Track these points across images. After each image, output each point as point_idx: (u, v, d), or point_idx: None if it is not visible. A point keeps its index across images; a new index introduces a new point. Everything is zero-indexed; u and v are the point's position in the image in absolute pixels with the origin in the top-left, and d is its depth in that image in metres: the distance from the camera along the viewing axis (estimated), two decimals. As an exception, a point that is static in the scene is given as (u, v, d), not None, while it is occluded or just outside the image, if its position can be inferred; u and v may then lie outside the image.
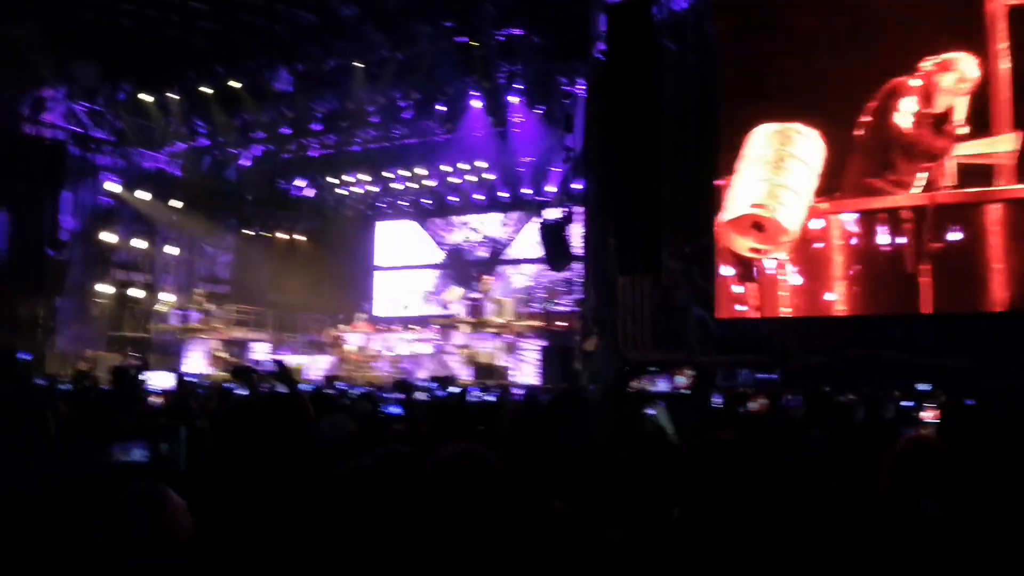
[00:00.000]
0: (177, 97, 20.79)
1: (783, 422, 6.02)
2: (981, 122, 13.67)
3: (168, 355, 21.14)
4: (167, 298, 22.40)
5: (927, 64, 14.08)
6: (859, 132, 14.48)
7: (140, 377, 9.05)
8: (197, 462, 2.69)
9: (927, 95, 14.03)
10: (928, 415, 7.10)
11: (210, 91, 20.30)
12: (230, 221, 22.89)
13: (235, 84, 20.03)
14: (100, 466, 2.57)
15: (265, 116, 20.87)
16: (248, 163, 23.20)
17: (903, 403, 7.74)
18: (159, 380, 9.40)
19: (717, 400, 6.89)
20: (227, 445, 3.42)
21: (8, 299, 19.48)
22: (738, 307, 15.34)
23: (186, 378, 15.96)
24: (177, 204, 22.64)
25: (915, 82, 14.17)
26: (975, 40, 13.80)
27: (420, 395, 10.72)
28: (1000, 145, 13.45)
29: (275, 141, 21.98)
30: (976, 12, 13.82)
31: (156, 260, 22.77)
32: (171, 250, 22.94)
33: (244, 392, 10.55)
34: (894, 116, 14.23)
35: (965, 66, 13.88)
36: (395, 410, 6.81)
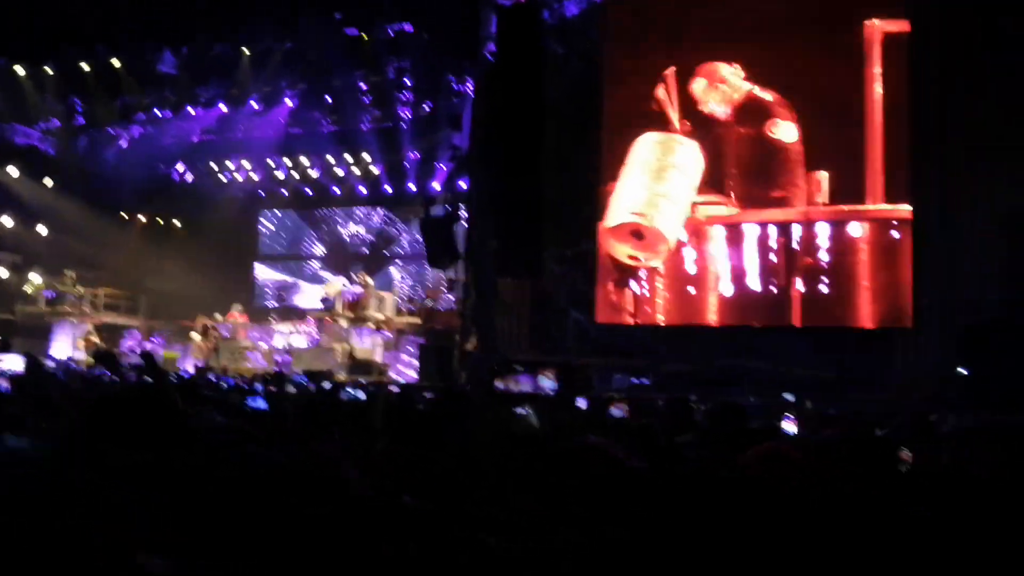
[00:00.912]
0: (53, 72, 19.52)
1: (647, 427, 5.66)
2: (854, 149, 13.56)
3: (35, 338, 19.78)
4: (35, 279, 20.88)
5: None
6: (732, 146, 14.26)
7: None
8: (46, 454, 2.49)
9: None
10: (789, 425, 6.98)
11: (89, 68, 19.13)
12: (105, 204, 21.44)
13: (116, 63, 18.88)
14: None
15: (147, 98, 19.71)
16: (126, 145, 21.76)
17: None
18: (9, 363, 8.49)
19: (582, 403, 6.67)
20: (93, 436, 2.94)
21: None
22: (616, 312, 14.95)
23: (49, 362, 14.88)
24: (49, 183, 21.21)
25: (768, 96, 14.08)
26: (852, 62, 13.70)
27: (291, 389, 10.06)
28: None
29: (156, 124, 20.77)
30: (854, 35, 13.72)
31: (25, 240, 21.27)
32: (41, 230, 21.40)
33: (113, 379, 9.73)
34: (766, 130, 14.05)
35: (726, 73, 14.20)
36: (259, 404, 6.48)
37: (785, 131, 13.91)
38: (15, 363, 8.58)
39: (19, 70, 19.46)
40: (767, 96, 14.08)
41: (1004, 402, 9.84)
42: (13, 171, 20.66)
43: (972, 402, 10.43)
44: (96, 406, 2.69)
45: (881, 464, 4.55)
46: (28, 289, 20.81)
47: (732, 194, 14.29)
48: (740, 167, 14.26)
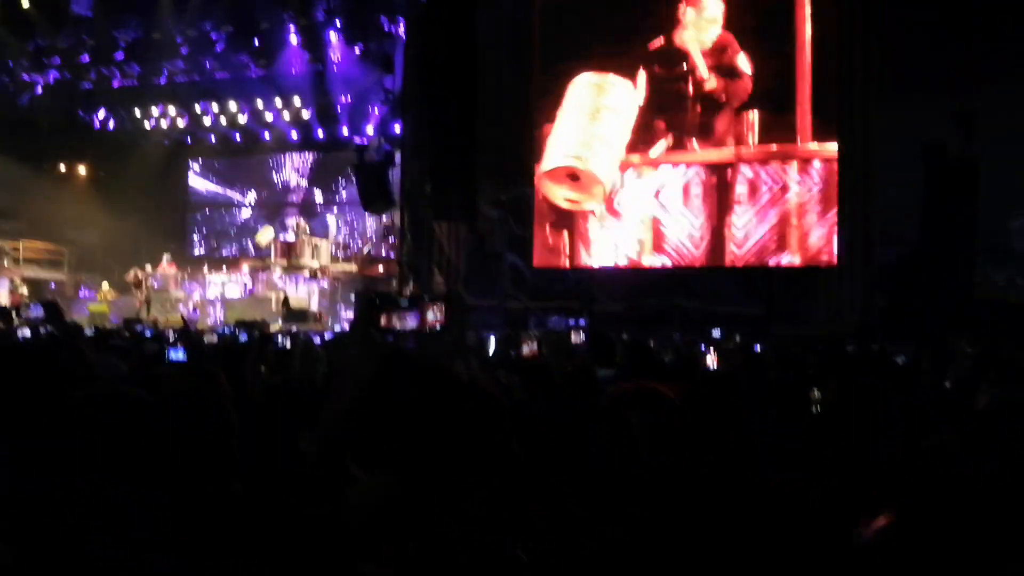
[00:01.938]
0: None
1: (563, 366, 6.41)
2: (784, 88, 14.59)
3: None
4: (-50, 234, 21.15)
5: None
6: (665, 85, 15.21)
7: None
8: None
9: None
10: (710, 359, 7.61)
11: None
12: (22, 152, 21.55)
13: (26, 3, 18.91)
14: None
15: (63, 42, 19.83)
16: (42, 92, 21.91)
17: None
18: None
19: (492, 343, 7.26)
20: None
21: None
22: (552, 256, 15.94)
23: None
24: (-39, 132, 21.19)
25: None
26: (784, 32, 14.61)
27: (210, 338, 10.61)
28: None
29: (73, 69, 20.88)
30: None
31: (-63, 192, 21.35)
32: (-45, 181, 21.54)
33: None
34: (688, 72, 15.02)
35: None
36: (176, 355, 6.72)
37: (744, 65, 14.84)
38: None
39: None
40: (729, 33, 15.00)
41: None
42: None
43: (889, 335, 11.55)
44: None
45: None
46: None
47: (669, 134, 15.29)
48: (684, 105, 15.16)
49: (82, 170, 23.88)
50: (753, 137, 14.74)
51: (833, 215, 14.30)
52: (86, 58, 20.30)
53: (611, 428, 2.53)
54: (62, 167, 23.62)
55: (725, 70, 14.89)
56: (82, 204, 22.88)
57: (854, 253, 13.95)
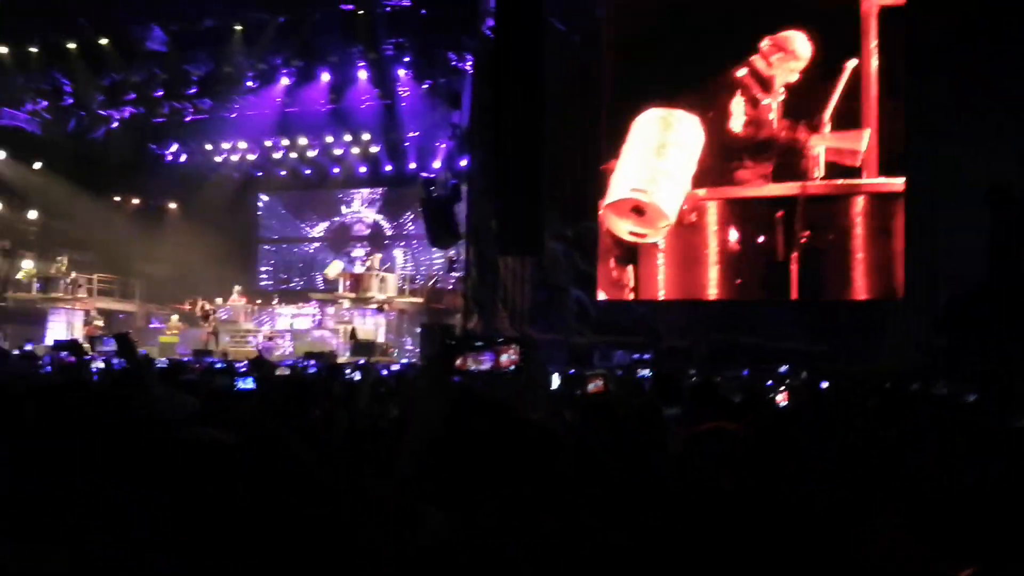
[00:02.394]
0: (38, 51, 20.34)
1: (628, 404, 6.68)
2: (850, 118, 15.09)
3: (29, 325, 21.10)
4: (27, 265, 22.15)
5: (764, 45, 15.48)
6: (732, 120, 15.75)
7: None
8: None
9: (766, 83, 15.43)
10: (780, 398, 7.68)
11: (75, 47, 19.98)
12: (96, 186, 22.47)
13: (103, 41, 19.74)
14: None
15: (135, 76, 20.61)
16: (117, 125, 22.89)
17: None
18: None
19: (557, 381, 7.62)
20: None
21: None
22: (617, 289, 16.50)
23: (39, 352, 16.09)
24: (38, 166, 22.31)
25: (761, 66, 15.55)
26: (849, 37, 15.16)
27: (282, 371, 11.11)
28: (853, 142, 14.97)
29: (146, 103, 21.70)
30: (851, 9, 15.17)
31: (15, 225, 22.50)
32: (31, 214, 22.67)
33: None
34: (760, 107, 15.56)
35: (797, 44, 15.34)
36: (246, 385, 6.84)
37: (814, 101, 15.29)
38: None
39: (2, 49, 20.35)
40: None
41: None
42: (0, 154, 21.85)
43: (951, 373, 11.84)
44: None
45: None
46: (20, 275, 22.04)
47: (736, 168, 15.83)
48: (752, 140, 15.73)
49: (154, 203, 24.81)
50: (819, 171, 15.21)
51: (896, 251, 14.70)
52: (159, 93, 21.01)
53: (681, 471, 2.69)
54: (135, 200, 24.55)
55: (796, 106, 15.37)
56: (153, 237, 23.81)
57: (918, 290, 14.34)
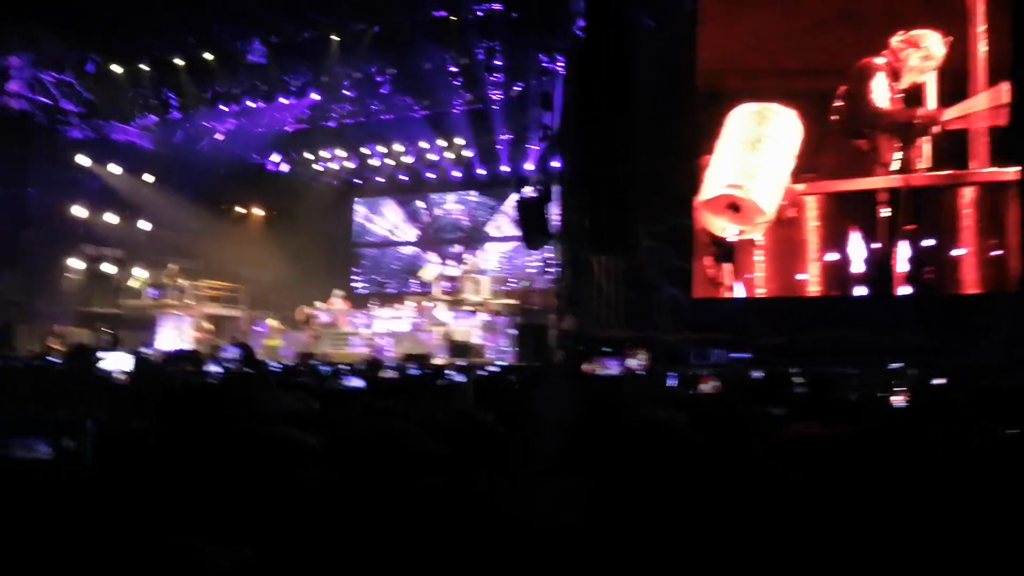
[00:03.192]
0: (147, 68, 20.69)
1: (739, 402, 6.27)
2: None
3: (141, 331, 21.26)
4: (139, 273, 22.42)
5: (895, 41, 14.45)
6: (834, 113, 14.84)
7: (96, 356, 9.01)
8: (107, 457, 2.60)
9: (896, 73, 14.43)
10: (898, 399, 7.19)
11: (181, 62, 20.26)
12: (203, 196, 22.81)
13: (208, 55, 19.98)
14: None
15: (237, 88, 20.80)
16: (221, 137, 23.18)
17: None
18: (117, 362, 9.30)
19: (672, 382, 7.12)
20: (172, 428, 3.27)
21: (-23, 274, 19.69)
22: (712, 287, 15.73)
23: (170, 353, 16.21)
24: (149, 178, 22.64)
25: (882, 60, 14.56)
26: (954, 23, 14.14)
27: (389, 373, 10.93)
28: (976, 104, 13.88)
29: (249, 115, 21.95)
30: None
31: (127, 235, 22.73)
32: (143, 225, 22.92)
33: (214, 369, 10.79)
34: (868, 96, 14.61)
35: (931, 43, 14.26)
36: (357, 383, 6.99)
37: (926, 92, 14.39)
38: (123, 362, 9.36)
39: (115, 68, 20.77)
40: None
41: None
42: (114, 168, 22.19)
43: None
44: (185, 398, 3.15)
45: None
46: (133, 283, 22.34)
47: (835, 160, 14.91)
48: (855, 132, 14.84)
49: (256, 211, 25.15)
50: (923, 162, 14.19)
51: (1011, 244, 13.64)
52: (260, 104, 21.11)
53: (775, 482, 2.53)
54: (238, 209, 24.89)
55: (908, 98, 14.38)
56: (256, 244, 24.12)
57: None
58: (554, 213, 17.22)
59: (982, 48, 14.08)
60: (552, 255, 18.11)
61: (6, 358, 13.37)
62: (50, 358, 13.01)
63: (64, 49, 20.60)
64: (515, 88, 19.04)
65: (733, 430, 4.07)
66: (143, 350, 15.77)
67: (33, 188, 21.06)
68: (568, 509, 2.22)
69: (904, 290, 14.36)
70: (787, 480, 2.53)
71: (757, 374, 9.01)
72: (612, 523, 2.18)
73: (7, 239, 20.29)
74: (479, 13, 17.93)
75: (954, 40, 14.15)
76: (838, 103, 14.82)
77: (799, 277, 15.10)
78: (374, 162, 23.52)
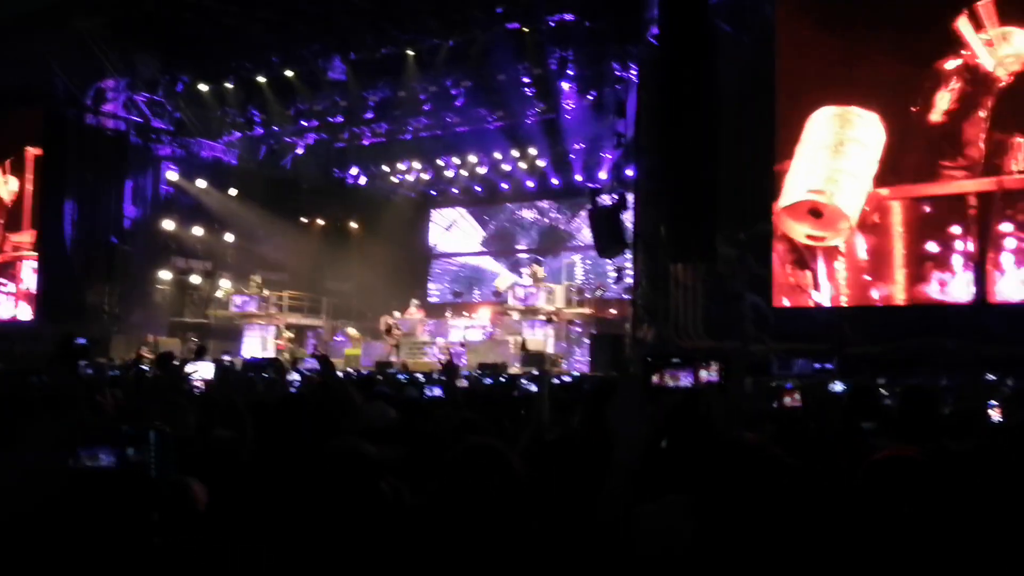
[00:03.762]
0: (233, 87, 20.74)
1: (822, 417, 5.61)
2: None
3: (228, 340, 21.22)
4: (225, 285, 22.51)
5: (982, 38, 13.27)
6: (919, 114, 13.71)
7: (188, 367, 8.90)
8: (170, 467, 2.56)
9: (980, 75, 13.24)
10: (993, 412, 6.27)
11: (265, 80, 20.21)
12: (285, 209, 22.86)
13: (290, 73, 19.88)
14: (65, 472, 2.47)
15: (319, 105, 20.71)
16: (302, 152, 23.00)
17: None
18: (201, 370, 9.10)
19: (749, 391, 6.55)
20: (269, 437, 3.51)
21: (75, 286, 19.79)
22: (795, 295, 14.69)
23: (249, 361, 15.93)
24: (234, 192, 22.62)
25: (969, 61, 13.37)
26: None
27: (462, 382, 10.48)
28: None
29: (329, 130, 21.82)
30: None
31: (214, 248, 22.77)
32: (229, 238, 22.87)
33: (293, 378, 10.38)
34: (953, 98, 13.44)
35: (1018, 40, 13.08)
36: (436, 392, 6.98)
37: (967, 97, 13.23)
38: (206, 370, 9.18)
39: (202, 87, 20.87)
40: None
41: None
42: (201, 183, 22.20)
43: None
44: (277, 407, 3.29)
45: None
46: (219, 294, 22.43)
47: (921, 166, 13.79)
48: (942, 134, 13.61)
49: (336, 224, 24.96)
50: (1017, 164, 12.98)
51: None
52: (340, 119, 21.07)
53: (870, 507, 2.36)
54: (319, 221, 24.74)
55: (1001, 96, 13.18)
56: (337, 256, 23.95)
57: None
58: (629, 222, 16.50)
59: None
60: (628, 264, 17.28)
61: (100, 367, 13.24)
62: (142, 367, 13.07)
63: (156, 71, 20.69)
64: (588, 97, 18.35)
65: (824, 451, 3.89)
66: (226, 358, 15.60)
67: (127, 204, 21.03)
68: (671, 531, 2.18)
69: (999, 297, 13.11)
70: (886, 506, 2.33)
71: (839, 386, 8.22)
72: (718, 547, 2.13)
73: (104, 252, 20.46)
74: (551, 24, 17.35)
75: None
76: (925, 101, 13.65)
77: (884, 285, 13.96)
78: (449, 173, 23.19)
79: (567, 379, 11.98)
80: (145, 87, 21.02)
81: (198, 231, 22.28)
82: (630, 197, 16.62)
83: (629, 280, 17.58)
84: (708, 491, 2.24)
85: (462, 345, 18.92)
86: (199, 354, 17.21)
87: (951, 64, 13.54)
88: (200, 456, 3.24)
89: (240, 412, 3.87)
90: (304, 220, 24.20)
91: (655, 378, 3.20)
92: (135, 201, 21.33)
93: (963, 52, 13.49)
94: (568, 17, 17.12)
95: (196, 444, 3.52)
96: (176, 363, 9.72)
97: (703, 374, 3.32)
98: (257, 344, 21.17)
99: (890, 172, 13.95)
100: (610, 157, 18.82)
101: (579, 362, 18.24)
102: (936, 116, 13.63)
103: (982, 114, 13.31)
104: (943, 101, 13.57)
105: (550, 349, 18.15)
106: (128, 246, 20.88)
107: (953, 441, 3.88)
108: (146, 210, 21.50)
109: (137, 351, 17.61)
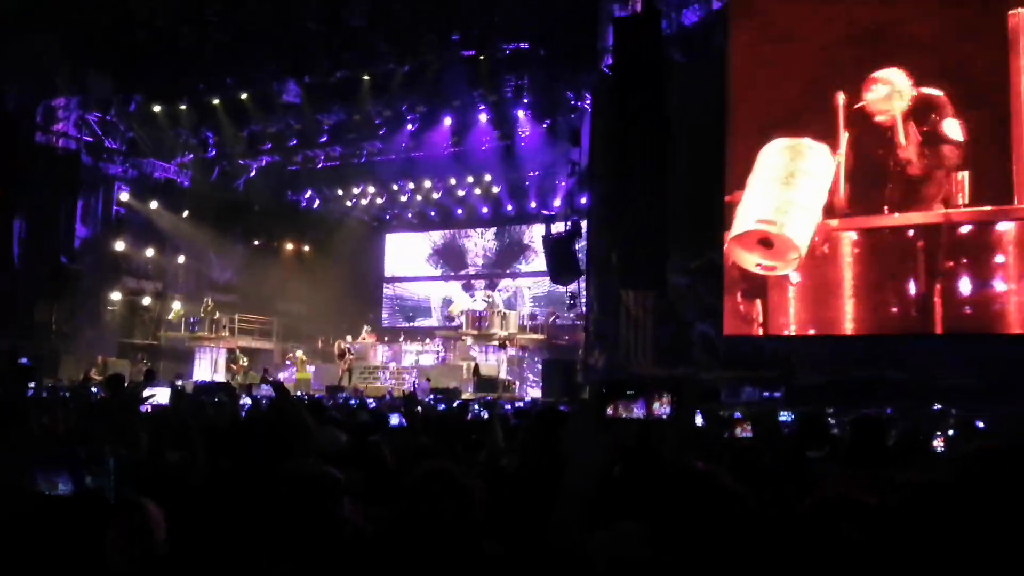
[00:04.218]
0: (186, 108, 20.13)
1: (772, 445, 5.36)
2: (999, 146, 12.68)
3: (179, 362, 20.69)
4: (176, 306, 21.79)
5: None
6: (869, 147, 13.57)
7: (146, 392, 8.51)
8: (128, 492, 2.46)
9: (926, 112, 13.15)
10: (938, 443, 6.32)
11: (219, 102, 19.69)
12: (237, 231, 22.26)
13: (244, 96, 19.36)
14: (19, 497, 2.41)
15: (273, 127, 20.28)
16: (255, 174, 22.49)
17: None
18: (161, 395, 8.62)
19: (700, 421, 6.23)
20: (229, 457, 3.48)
21: (24, 305, 19.02)
22: (744, 324, 14.44)
23: (200, 384, 15.35)
24: (186, 214, 21.98)
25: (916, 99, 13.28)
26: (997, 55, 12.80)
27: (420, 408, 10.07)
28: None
29: (282, 152, 21.32)
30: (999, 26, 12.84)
31: (166, 269, 22.13)
32: (180, 259, 22.25)
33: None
34: (902, 133, 13.31)
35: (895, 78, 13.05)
36: (396, 420, 6.79)
37: (952, 130, 13.07)
38: (163, 395, 8.78)
39: (156, 108, 20.21)
40: (936, 93, 13.19)
41: None
42: (154, 204, 21.49)
43: None
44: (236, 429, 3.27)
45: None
46: (170, 316, 21.68)
47: (870, 197, 13.63)
48: (886, 168, 13.50)
49: (289, 247, 24.46)
50: (963, 198, 12.84)
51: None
52: (294, 142, 20.64)
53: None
54: (272, 244, 24.19)
55: (931, 134, 13.08)
56: (289, 278, 23.38)
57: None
58: (582, 249, 16.22)
59: None
60: (580, 291, 16.96)
61: (52, 388, 12.74)
62: (91, 388, 12.59)
63: (109, 90, 20.01)
64: (543, 125, 18.07)
65: (772, 481, 3.79)
66: (178, 382, 15.09)
67: (78, 223, 20.32)
68: (625, 558, 2.20)
69: (944, 329, 12.94)
70: (838, 539, 2.20)
71: (787, 415, 7.98)
72: (675, 566, 2.14)
73: (54, 272, 19.67)
74: (507, 51, 17.10)
75: (995, 74, 12.77)
76: (873, 135, 13.50)
77: (833, 315, 13.75)
78: (403, 198, 22.79)
79: (520, 405, 11.65)
80: (97, 106, 20.33)
81: (149, 252, 21.63)
82: (584, 224, 16.39)
83: (583, 307, 17.30)
84: (661, 518, 2.24)
85: (415, 369, 18.46)
86: (148, 378, 16.61)
87: (899, 102, 13.41)
88: (151, 479, 3.11)
89: (192, 435, 3.79)
90: (256, 242, 23.61)
91: (610, 410, 3.09)
92: (86, 220, 20.56)
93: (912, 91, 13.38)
94: (523, 45, 16.88)
95: (147, 467, 3.46)
96: (128, 385, 9.24)
97: (656, 406, 3.21)
98: (208, 366, 20.55)
99: (840, 204, 13.78)
100: (564, 185, 18.56)
101: (532, 387, 17.84)
102: (885, 149, 13.49)
103: (928, 149, 13.19)
104: (892, 135, 13.43)
105: (503, 374, 17.76)
106: (78, 265, 20.13)
107: (898, 472, 3.61)
108: (97, 230, 20.75)
109: (86, 372, 16.98)
